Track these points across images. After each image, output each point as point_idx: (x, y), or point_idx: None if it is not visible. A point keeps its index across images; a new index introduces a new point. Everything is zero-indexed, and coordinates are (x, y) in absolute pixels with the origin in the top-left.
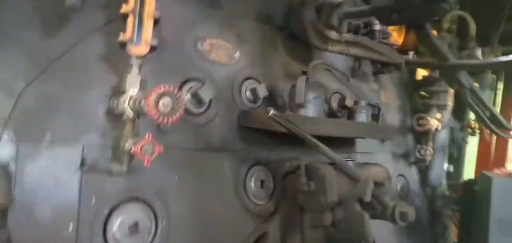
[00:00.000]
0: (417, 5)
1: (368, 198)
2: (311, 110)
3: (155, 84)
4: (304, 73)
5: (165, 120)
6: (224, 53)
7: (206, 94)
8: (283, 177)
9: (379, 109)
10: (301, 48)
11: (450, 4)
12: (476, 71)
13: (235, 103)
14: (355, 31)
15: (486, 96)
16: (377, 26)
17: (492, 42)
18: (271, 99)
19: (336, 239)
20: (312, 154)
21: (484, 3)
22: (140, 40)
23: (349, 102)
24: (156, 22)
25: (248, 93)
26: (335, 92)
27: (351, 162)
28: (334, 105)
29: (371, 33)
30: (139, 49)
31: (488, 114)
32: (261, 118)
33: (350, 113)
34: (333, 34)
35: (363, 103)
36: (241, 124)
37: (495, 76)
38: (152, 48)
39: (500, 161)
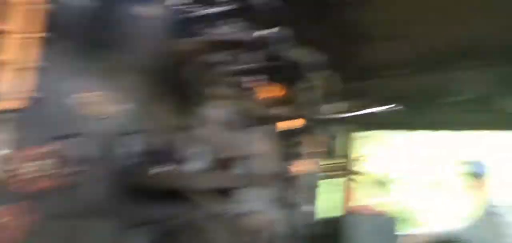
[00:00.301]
0: (285, 70)
1: None
2: (197, 164)
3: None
4: (188, 127)
5: (31, 186)
6: (103, 107)
7: (82, 152)
8: (169, 236)
9: (255, 160)
10: (184, 101)
11: (311, 72)
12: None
13: (114, 160)
14: (235, 85)
15: (340, 144)
16: (253, 82)
17: (345, 97)
18: (153, 154)
19: None
20: (191, 210)
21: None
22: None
23: (229, 154)
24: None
25: (127, 149)
26: (214, 144)
27: (235, 212)
28: (214, 156)
29: (249, 89)
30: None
31: (345, 160)
32: (140, 176)
33: (230, 164)
34: (215, 91)
35: (241, 154)
36: (121, 183)
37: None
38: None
39: (351, 197)
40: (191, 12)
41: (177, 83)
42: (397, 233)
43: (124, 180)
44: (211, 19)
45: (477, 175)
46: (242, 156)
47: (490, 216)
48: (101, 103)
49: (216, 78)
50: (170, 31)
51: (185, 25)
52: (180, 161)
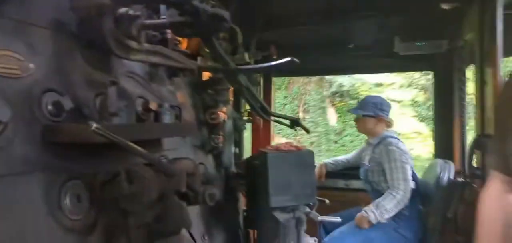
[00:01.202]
0: (204, 23)
1: (183, 188)
2: (123, 118)
3: None
4: (113, 82)
5: None
6: (15, 65)
7: (3, 114)
8: (101, 187)
9: (180, 109)
10: (100, 57)
11: (229, 23)
12: (249, 72)
13: (37, 118)
14: (150, 39)
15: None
16: (169, 35)
17: (252, 48)
18: (76, 110)
19: (159, 232)
20: (127, 160)
21: (243, 16)
22: None
23: (153, 106)
24: None
25: (50, 107)
26: (139, 97)
27: (164, 160)
28: (139, 109)
29: (164, 41)
30: None
31: (258, 105)
32: (79, 132)
33: (156, 116)
34: (134, 44)
35: (166, 105)
36: (48, 140)
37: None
38: None
39: (268, 139)
40: None
41: (93, 37)
42: (313, 165)
43: (50, 138)
44: None
45: (376, 110)
46: (167, 107)
47: (384, 144)
48: (12, 61)
49: (134, 32)
50: None
51: None
52: (105, 115)
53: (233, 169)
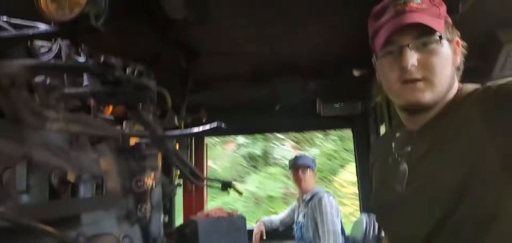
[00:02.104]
0: (128, 93)
1: None
2: (34, 194)
3: None
4: (23, 157)
5: None
6: None
7: None
8: None
9: (102, 179)
10: (12, 128)
11: (155, 94)
12: (180, 138)
13: None
14: (70, 107)
15: (184, 154)
16: (92, 102)
17: (182, 111)
18: None
19: None
20: (37, 240)
21: (173, 81)
22: None
23: (71, 177)
24: None
25: None
26: (55, 168)
27: (82, 239)
28: (55, 181)
29: (86, 107)
30: None
31: (188, 169)
32: None
33: (74, 188)
34: (51, 113)
35: (86, 175)
36: None
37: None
38: None
39: (200, 204)
40: (18, 29)
41: (3, 107)
42: (245, 229)
43: None
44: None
45: (301, 165)
46: (87, 177)
47: (317, 198)
48: None
49: (52, 101)
50: None
51: (9, 45)
52: (14, 194)
53: (163, 239)
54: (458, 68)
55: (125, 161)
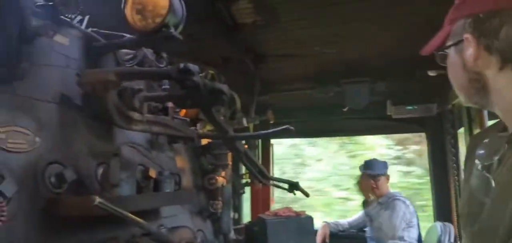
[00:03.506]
0: (204, 96)
1: None
2: (125, 188)
3: None
4: (116, 154)
5: None
6: (22, 140)
7: (8, 190)
8: None
9: (179, 176)
10: (103, 128)
11: (228, 97)
12: (249, 139)
13: (39, 191)
14: (151, 109)
15: (252, 154)
16: (170, 104)
17: (250, 113)
18: (78, 181)
19: None
20: (125, 230)
21: (241, 83)
22: None
23: (153, 173)
24: None
25: (53, 179)
26: (139, 165)
27: (163, 229)
28: (139, 177)
29: (164, 110)
30: None
31: (257, 169)
32: (81, 205)
33: (156, 184)
34: (136, 115)
35: (166, 173)
36: (49, 214)
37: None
38: None
39: (266, 203)
40: (107, 39)
41: (97, 110)
42: (312, 230)
43: (53, 211)
44: (127, 48)
45: (373, 173)
46: (167, 175)
47: (383, 207)
48: (19, 136)
49: (136, 104)
50: (84, 59)
51: (100, 53)
52: (107, 186)
53: (232, 235)
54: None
55: (198, 159)
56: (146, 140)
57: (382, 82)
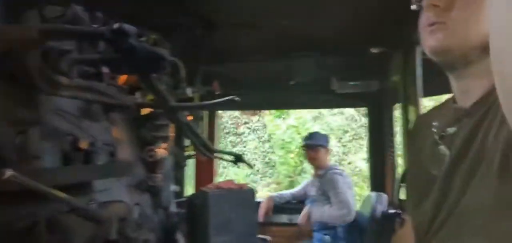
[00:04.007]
0: (142, 61)
1: (113, 236)
2: (47, 160)
3: None
4: (35, 121)
5: None
6: None
7: None
8: (17, 239)
9: (114, 147)
10: (23, 92)
11: (169, 64)
12: (192, 110)
13: None
14: (83, 73)
15: (197, 126)
16: (105, 69)
17: (196, 83)
18: None
19: None
20: (48, 206)
21: (189, 51)
22: None
23: (83, 144)
24: None
25: None
26: (68, 135)
27: (93, 204)
28: (67, 148)
29: (99, 75)
30: None
31: (200, 141)
32: None
33: (87, 155)
34: (63, 80)
35: (99, 143)
36: None
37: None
38: None
39: (211, 176)
40: None
41: (16, 72)
42: (254, 203)
43: None
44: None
45: (314, 145)
46: (100, 146)
47: (322, 179)
48: None
49: (64, 67)
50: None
51: (21, 8)
52: (31, 157)
53: (173, 208)
54: None
55: (138, 130)
56: (78, 108)
57: (329, 57)
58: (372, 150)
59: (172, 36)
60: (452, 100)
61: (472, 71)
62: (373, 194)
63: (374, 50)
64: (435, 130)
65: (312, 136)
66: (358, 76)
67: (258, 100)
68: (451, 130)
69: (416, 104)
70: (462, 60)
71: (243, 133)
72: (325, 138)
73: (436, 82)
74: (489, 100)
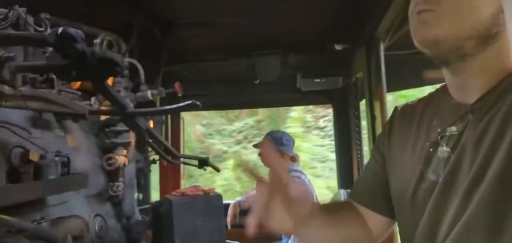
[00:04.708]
0: (93, 67)
1: None
2: None
3: None
4: None
5: None
6: None
7: None
8: None
9: (68, 158)
10: None
11: (122, 68)
12: (151, 115)
13: None
14: (32, 80)
15: (159, 131)
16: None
17: (157, 85)
18: None
19: None
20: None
21: (147, 52)
22: None
23: (34, 156)
24: None
25: None
26: (16, 146)
27: (45, 223)
28: (16, 161)
29: (49, 81)
30: None
31: (162, 147)
32: None
33: (37, 169)
34: (6, 89)
35: (50, 155)
36: None
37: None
38: None
39: (177, 181)
40: None
41: None
42: (221, 208)
43: None
44: None
45: (278, 146)
46: (51, 158)
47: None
48: None
49: (6, 75)
50: None
51: None
52: None
53: (138, 216)
54: None
55: (96, 136)
56: (26, 118)
57: (293, 55)
58: (339, 147)
59: (130, 37)
60: (448, 95)
61: (469, 66)
62: (342, 191)
63: (337, 47)
64: (438, 129)
65: (271, 136)
66: (322, 73)
67: (222, 100)
68: (453, 129)
69: (381, 100)
70: (456, 53)
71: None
72: (276, 141)
73: (398, 78)
74: (497, 95)
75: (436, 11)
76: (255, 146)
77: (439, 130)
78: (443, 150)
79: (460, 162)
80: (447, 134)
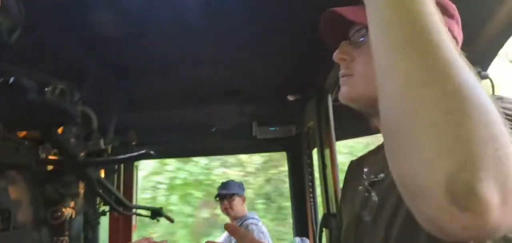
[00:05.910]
0: (42, 118)
1: None
2: None
3: None
4: None
5: None
6: None
7: None
8: None
9: (9, 212)
10: None
11: (74, 118)
12: (103, 165)
13: None
14: None
15: (111, 180)
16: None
17: (110, 133)
18: None
19: None
20: None
21: (101, 99)
22: None
23: None
24: None
25: None
26: None
27: None
28: None
29: None
30: None
31: (113, 197)
32: None
33: None
34: None
35: None
36: None
37: None
38: None
39: (128, 233)
40: None
41: None
42: None
43: None
44: None
45: (225, 193)
46: None
47: (245, 225)
48: None
49: None
50: None
51: None
52: None
53: None
54: None
55: (41, 189)
56: None
57: (250, 104)
58: (293, 194)
59: (83, 84)
60: (382, 146)
61: None
62: (297, 239)
63: (290, 97)
64: (365, 177)
65: (225, 185)
66: (277, 121)
67: (177, 149)
68: (380, 176)
69: (331, 148)
70: (371, 110)
71: None
72: (240, 185)
73: (347, 127)
74: None
75: (353, 76)
76: (219, 196)
77: (372, 176)
78: (373, 195)
79: (381, 206)
80: (376, 180)
